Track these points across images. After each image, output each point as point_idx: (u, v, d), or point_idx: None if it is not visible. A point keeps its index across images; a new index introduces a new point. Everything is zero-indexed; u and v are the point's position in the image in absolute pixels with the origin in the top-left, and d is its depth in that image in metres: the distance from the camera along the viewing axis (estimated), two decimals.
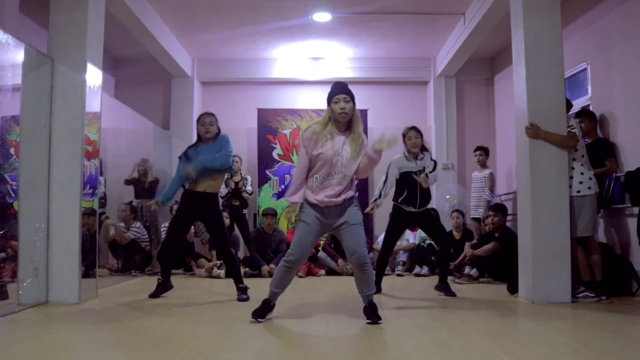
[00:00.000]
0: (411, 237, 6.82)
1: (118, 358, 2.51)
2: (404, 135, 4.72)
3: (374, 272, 3.22)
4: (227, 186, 6.95)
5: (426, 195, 4.68)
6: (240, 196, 7.03)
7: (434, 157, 4.90)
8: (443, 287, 4.63)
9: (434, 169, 4.70)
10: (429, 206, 4.82)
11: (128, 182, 6.74)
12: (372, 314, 3.27)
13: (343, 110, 3.26)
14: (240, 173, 7.21)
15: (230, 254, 4.48)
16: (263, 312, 3.35)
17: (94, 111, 4.43)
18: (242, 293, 4.32)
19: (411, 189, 4.61)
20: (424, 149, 4.77)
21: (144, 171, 6.77)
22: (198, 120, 4.43)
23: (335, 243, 6.50)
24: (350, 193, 3.34)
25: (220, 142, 4.33)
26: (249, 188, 7.15)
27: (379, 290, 4.64)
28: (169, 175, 7.59)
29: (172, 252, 4.56)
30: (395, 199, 4.74)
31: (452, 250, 4.84)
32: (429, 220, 4.76)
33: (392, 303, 4.17)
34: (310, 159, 3.30)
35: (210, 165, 4.20)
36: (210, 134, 4.34)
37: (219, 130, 4.42)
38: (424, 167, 4.64)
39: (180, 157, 4.47)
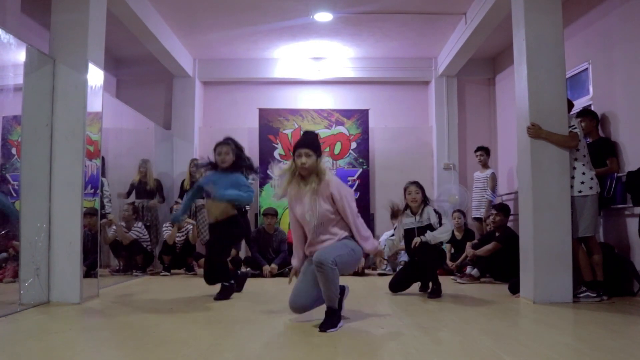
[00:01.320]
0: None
1: (119, 358, 2.51)
2: (405, 190, 4.76)
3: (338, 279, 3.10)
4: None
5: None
6: None
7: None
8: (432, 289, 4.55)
9: (440, 222, 4.60)
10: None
11: (132, 186, 6.74)
12: (325, 321, 3.08)
13: (303, 165, 3.27)
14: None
15: (213, 267, 4.38)
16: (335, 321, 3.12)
17: (95, 111, 4.43)
18: (221, 291, 4.33)
19: (408, 246, 4.68)
20: (425, 202, 4.72)
21: (145, 172, 6.78)
22: (215, 149, 4.35)
23: None
24: (338, 237, 3.30)
25: (238, 180, 4.27)
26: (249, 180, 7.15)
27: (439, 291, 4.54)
28: (169, 175, 7.62)
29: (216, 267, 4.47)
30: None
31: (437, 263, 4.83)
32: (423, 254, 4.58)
33: (393, 303, 4.17)
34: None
35: (236, 199, 4.23)
36: (226, 164, 4.28)
37: (237, 157, 4.33)
38: (426, 225, 4.58)
39: (198, 185, 4.53)
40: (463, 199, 7.14)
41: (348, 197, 3.34)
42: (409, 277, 4.81)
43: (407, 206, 4.74)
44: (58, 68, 4.21)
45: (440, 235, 4.53)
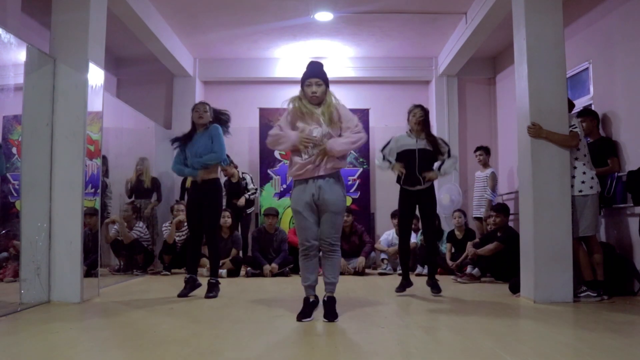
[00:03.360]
0: (413, 237, 6.80)
1: (120, 357, 2.52)
2: (409, 112, 4.64)
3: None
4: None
5: (428, 169, 4.53)
6: (239, 195, 7.02)
7: (446, 142, 4.75)
8: (432, 284, 4.59)
9: (449, 154, 4.57)
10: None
11: (128, 184, 6.74)
12: (328, 310, 3.31)
13: (314, 94, 3.36)
14: (238, 172, 7.20)
15: (214, 244, 4.58)
16: (308, 311, 3.34)
17: (95, 111, 4.43)
18: (210, 291, 4.41)
19: (409, 166, 4.50)
20: (429, 133, 4.63)
21: (142, 170, 6.78)
22: (193, 108, 4.63)
23: None
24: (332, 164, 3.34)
25: (211, 132, 4.48)
26: (251, 187, 7.16)
27: (410, 284, 4.62)
28: (170, 175, 7.60)
29: (197, 247, 4.69)
30: (398, 181, 4.67)
31: (438, 242, 4.80)
32: (429, 200, 4.61)
33: (394, 302, 4.17)
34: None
35: (208, 162, 4.44)
36: (203, 120, 4.51)
37: (213, 120, 4.58)
38: (426, 149, 4.52)
39: (178, 146, 4.67)
40: (455, 200, 7.21)
41: (354, 119, 3.43)
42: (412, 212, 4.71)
43: (409, 128, 4.63)
44: (58, 67, 4.21)
45: (450, 168, 4.57)
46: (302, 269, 3.42)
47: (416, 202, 4.63)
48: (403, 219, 4.69)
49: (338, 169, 3.39)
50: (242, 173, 7.31)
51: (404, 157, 4.55)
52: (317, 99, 3.36)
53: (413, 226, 4.85)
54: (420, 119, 4.57)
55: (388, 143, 4.70)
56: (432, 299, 4.34)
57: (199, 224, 4.49)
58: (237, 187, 7.06)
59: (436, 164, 4.56)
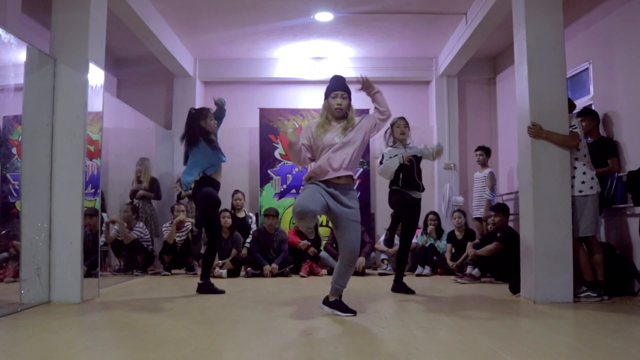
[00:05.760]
0: (413, 237, 6.81)
1: (120, 357, 2.52)
2: (392, 125, 4.92)
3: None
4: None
5: (420, 178, 4.83)
6: (244, 231, 7.02)
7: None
8: (399, 287, 4.73)
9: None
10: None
11: (133, 192, 6.74)
12: (335, 305, 3.53)
13: (339, 106, 3.49)
14: (244, 210, 7.34)
15: (213, 240, 4.76)
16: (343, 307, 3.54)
17: (96, 111, 4.43)
18: (200, 288, 4.63)
19: (407, 172, 4.72)
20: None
21: (140, 171, 6.78)
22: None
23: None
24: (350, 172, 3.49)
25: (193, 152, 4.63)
26: (253, 226, 7.19)
27: (403, 288, 4.72)
28: (170, 175, 7.61)
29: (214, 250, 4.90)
30: (392, 185, 4.83)
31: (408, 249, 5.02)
32: (417, 210, 4.88)
33: (394, 302, 4.17)
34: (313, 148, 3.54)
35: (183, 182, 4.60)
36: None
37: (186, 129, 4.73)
38: (419, 156, 4.84)
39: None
40: (448, 203, 7.28)
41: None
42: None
43: (393, 140, 4.91)
44: (59, 68, 4.21)
45: (426, 151, 4.90)
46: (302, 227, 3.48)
47: (411, 209, 4.83)
48: (406, 224, 4.84)
49: (353, 180, 3.56)
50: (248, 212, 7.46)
51: (400, 165, 4.73)
52: (341, 112, 3.49)
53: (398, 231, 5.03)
54: (405, 129, 4.88)
55: (382, 157, 4.89)
56: (432, 299, 4.34)
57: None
58: (243, 223, 7.08)
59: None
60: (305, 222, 3.31)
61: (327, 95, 3.57)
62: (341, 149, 3.42)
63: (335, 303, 3.54)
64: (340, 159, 3.41)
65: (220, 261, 6.26)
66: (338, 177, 3.42)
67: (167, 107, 8.27)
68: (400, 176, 4.72)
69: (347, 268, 3.54)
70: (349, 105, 3.55)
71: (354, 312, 3.47)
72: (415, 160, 4.79)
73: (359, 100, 3.81)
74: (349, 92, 3.56)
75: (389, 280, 4.98)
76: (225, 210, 6.59)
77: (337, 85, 3.55)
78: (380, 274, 6.54)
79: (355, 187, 3.63)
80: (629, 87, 4.75)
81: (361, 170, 7.90)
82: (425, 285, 5.40)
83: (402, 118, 4.98)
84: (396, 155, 4.76)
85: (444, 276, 6.22)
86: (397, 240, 6.83)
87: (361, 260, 6.48)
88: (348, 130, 3.48)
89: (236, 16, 6.56)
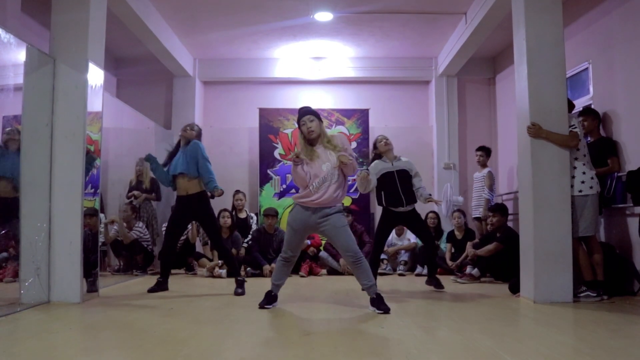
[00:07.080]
0: (412, 237, 6.81)
1: (120, 357, 2.51)
2: (376, 142, 5.03)
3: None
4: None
5: (410, 192, 4.84)
6: (244, 231, 7.02)
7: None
8: (433, 281, 4.95)
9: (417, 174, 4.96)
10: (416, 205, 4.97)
11: (130, 186, 6.73)
12: (380, 304, 3.60)
13: (310, 129, 3.72)
14: (246, 210, 7.32)
15: (223, 248, 4.88)
16: (268, 301, 3.82)
17: (95, 111, 4.43)
18: (239, 287, 4.66)
19: (391, 188, 4.80)
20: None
21: (141, 171, 6.78)
22: (184, 127, 4.97)
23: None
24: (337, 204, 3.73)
25: (193, 147, 4.75)
26: (254, 226, 7.18)
27: (434, 282, 4.96)
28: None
29: (172, 254, 5.01)
30: (380, 203, 4.92)
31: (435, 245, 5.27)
32: (415, 219, 4.95)
33: (393, 302, 4.16)
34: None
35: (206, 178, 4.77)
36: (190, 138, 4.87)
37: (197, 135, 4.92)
38: (402, 170, 4.87)
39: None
40: (446, 204, 7.27)
41: (348, 147, 3.83)
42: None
43: (379, 155, 4.97)
44: (58, 68, 4.21)
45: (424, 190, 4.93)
46: (277, 271, 3.88)
47: (400, 222, 5.06)
48: (380, 235, 4.98)
49: (340, 203, 3.76)
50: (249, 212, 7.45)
51: (385, 179, 4.83)
52: (313, 133, 3.72)
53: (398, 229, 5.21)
54: (389, 142, 4.95)
55: (368, 172, 4.86)
56: (432, 299, 4.35)
57: (176, 236, 4.94)
58: (244, 223, 7.07)
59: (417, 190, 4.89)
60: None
61: (298, 126, 3.82)
62: (324, 184, 3.65)
63: (372, 300, 3.67)
64: (323, 194, 3.64)
65: (219, 261, 6.26)
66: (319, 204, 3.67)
67: (167, 107, 8.26)
68: (382, 194, 4.83)
69: (357, 268, 3.67)
70: (319, 124, 3.76)
71: (387, 310, 3.56)
72: (402, 173, 4.84)
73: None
74: (315, 114, 3.79)
75: (389, 280, 5.00)
76: (225, 210, 6.59)
77: (303, 113, 3.80)
78: (380, 274, 6.53)
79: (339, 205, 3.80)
80: (628, 87, 4.75)
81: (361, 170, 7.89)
82: (424, 285, 5.40)
83: (381, 135, 5.07)
84: (383, 172, 4.83)
85: (444, 276, 6.21)
86: (395, 240, 6.89)
87: None
88: (332, 147, 3.71)
89: (236, 16, 6.56)
